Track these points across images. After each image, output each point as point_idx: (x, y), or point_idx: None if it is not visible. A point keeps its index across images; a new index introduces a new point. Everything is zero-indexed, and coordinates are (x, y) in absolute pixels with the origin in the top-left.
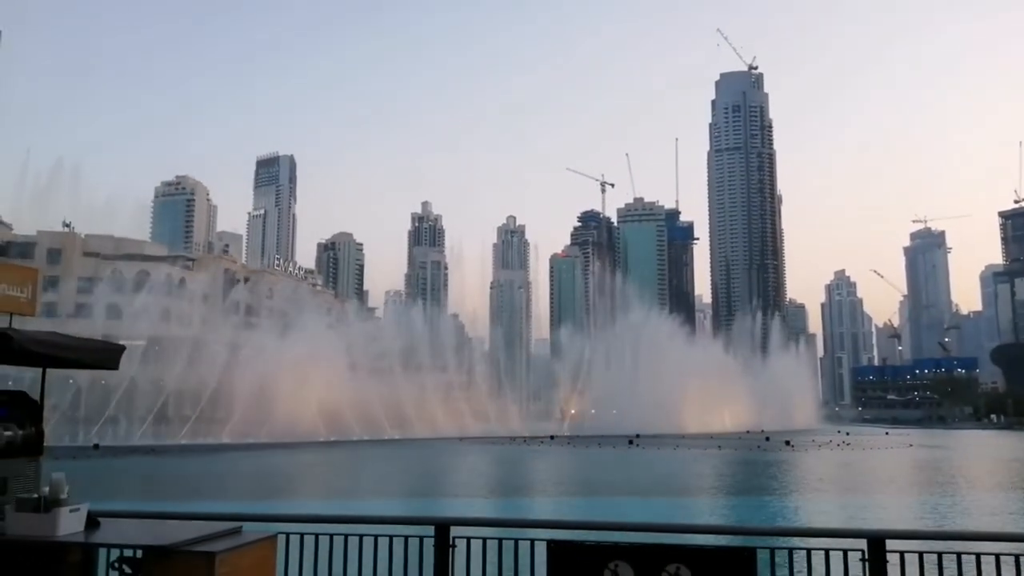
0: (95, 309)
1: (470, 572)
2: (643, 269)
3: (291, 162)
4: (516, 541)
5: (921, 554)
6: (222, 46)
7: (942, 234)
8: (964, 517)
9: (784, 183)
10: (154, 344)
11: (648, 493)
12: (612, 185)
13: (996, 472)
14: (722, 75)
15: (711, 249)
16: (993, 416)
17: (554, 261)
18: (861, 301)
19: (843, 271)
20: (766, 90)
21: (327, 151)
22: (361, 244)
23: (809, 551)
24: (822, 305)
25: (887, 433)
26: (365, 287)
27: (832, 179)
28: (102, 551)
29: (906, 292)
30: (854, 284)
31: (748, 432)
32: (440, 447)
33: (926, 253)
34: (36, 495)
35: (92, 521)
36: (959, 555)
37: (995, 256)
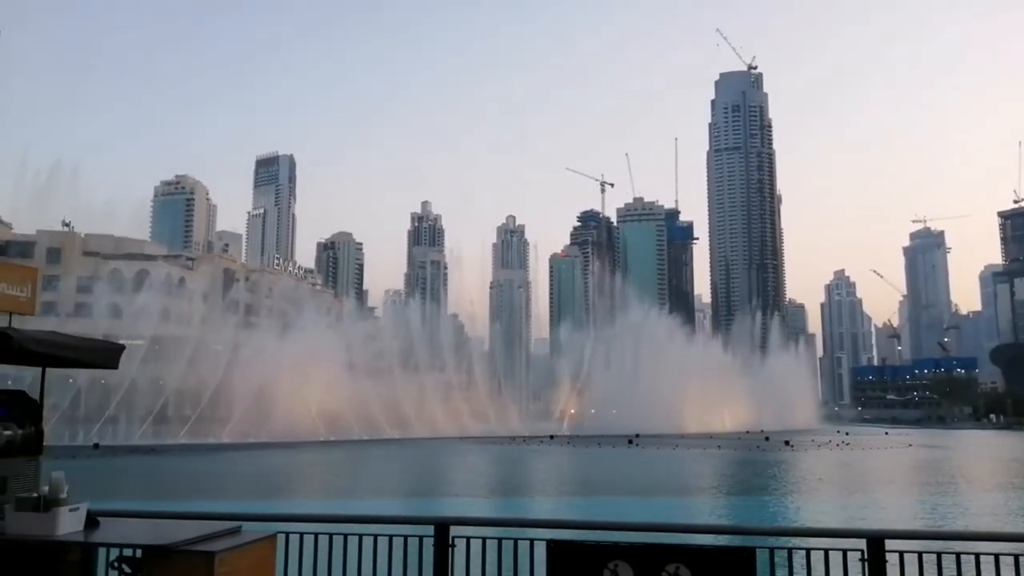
0: (95, 308)
1: (470, 572)
2: (643, 269)
3: (291, 162)
4: (516, 541)
5: (920, 554)
6: (222, 46)
7: (941, 234)
8: (963, 517)
9: (784, 183)
10: (154, 344)
11: (648, 493)
12: (612, 185)
13: (995, 472)
14: (722, 75)
15: (711, 249)
16: (992, 416)
17: (554, 261)
18: (861, 301)
19: (843, 271)
20: (766, 90)
21: (327, 151)
22: (361, 244)
23: (808, 551)
24: (822, 305)
25: (886, 433)
26: (365, 287)
27: (832, 179)
28: (101, 550)
29: (905, 292)
30: (854, 284)
31: (748, 432)
32: (440, 447)
33: (926, 253)
34: (36, 494)
35: (91, 520)
36: (958, 555)
37: (994, 256)
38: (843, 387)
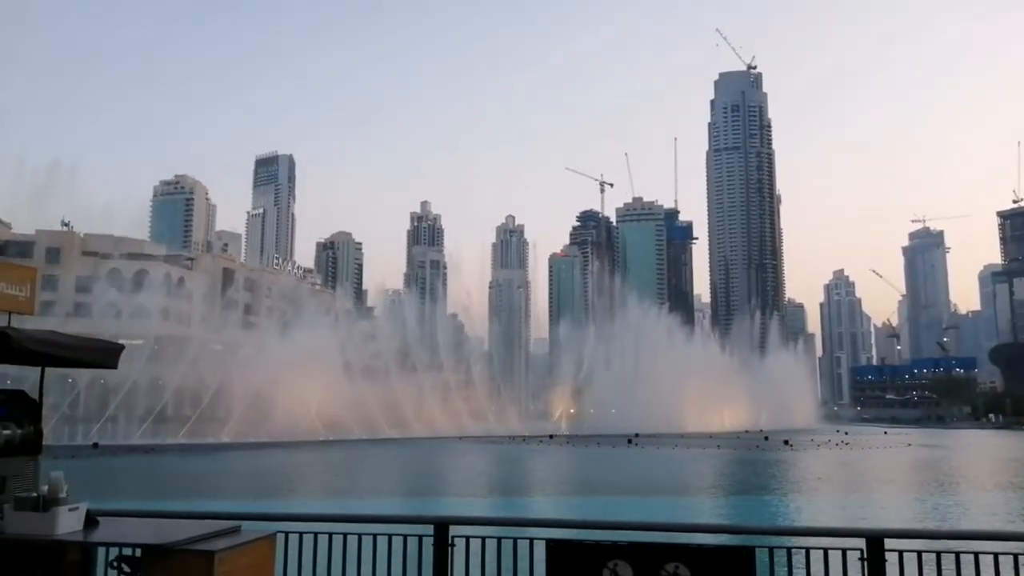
0: (94, 308)
1: (469, 571)
2: (642, 269)
3: (290, 161)
4: (515, 540)
5: (920, 553)
6: (221, 45)
7: (941, 234)
8: (963, 516)
9: (783, 183)
10: (153, 343)
11: (647, 492)
12: (611, 185)
13: (994, 472)
14: (721, 75)
15: (710, 249)
16: (991, 416)
17: (553, 261)
18: (860, 301)
19: (842, 271)
20: (765, 90)
21: (326, 150)
22: (360, 243)
23: (808, 550)
24: (821, 305)
25: (886, 432)
26: (364, 286)
27: (831, 179)
28: (101, 550)
29: (905, 292)
30: (853, 284)
31: (747, 431)
32: (439, 446)
33: (925, 253)
34: (35, 494)
35: (91, 520)
36: (957, 554)
37: (994, 256)
38: (842, 387)
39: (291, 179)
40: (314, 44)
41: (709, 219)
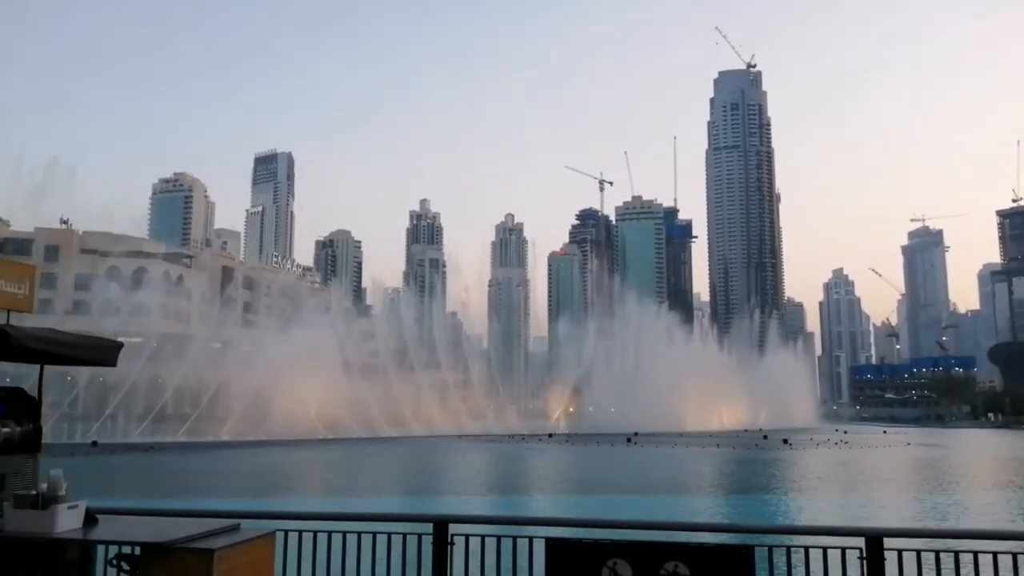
0: (93, 306)
1: (469, 569)
2: (641, 267)
3: (289, 159)
4: (515, 538)
5: (919, 552)
6: (221, 44)
7: (940, 233)
8: (962, 516)
9: (782, 182)
10: (152, 341)
11: (646, 491)
12: (610, 183)
13: (994, 471)
14: (721, 73)
15: (709, 247)
16: (991, 415)
17: (552, 259)
18: (859, 300)
19: (841, 270)
20: (764, 88)
21: (325, 149)
22: (359, 242)
23: (807, 549)
24: (820, 304)
25: (885, 432)
26: (363, 285)
27: (831, 178)
28: (100, 548)
29: (904, 291)
30: (852, 283)
31: (746, 430)
32: (438, 445)
33: (924, 252)
34: (34, 492)
35: (90, 518)
36: (956, 553)
37: (993, 255)
38: (842, 386)
39: (290, 177)
40: (314, 43)
41: (708, 218)
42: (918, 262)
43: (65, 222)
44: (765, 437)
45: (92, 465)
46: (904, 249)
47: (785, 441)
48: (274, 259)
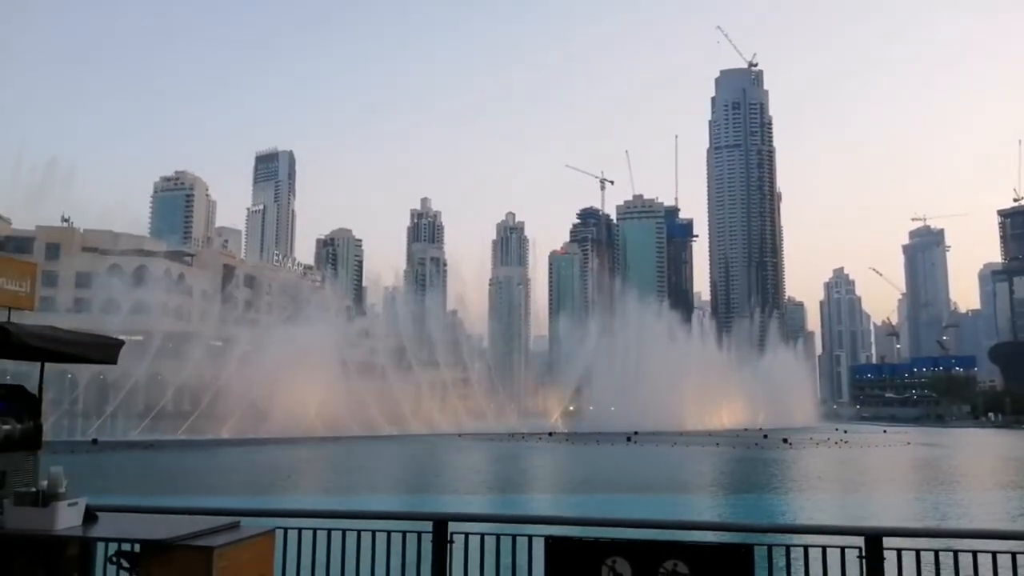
0: (94, 304)
1: (468, 568)
2: (642, 266)
3: (290, 158)
4: (514, 537)
5: (918, 552)
6: (222, 42)
7: (941, 232)
8: (961, 515)
9: (783, 181)
10: (153, 339)
11: (646, 490)
12: (611, 182)
13: (994, 470)
14: (722, 72)
15: (710, 246)
16: (991, 414)
17: (553, 258)
18: (860, 299)
19: (842, 269)
20: (766, 87)
21: (326, 147)
22: (360, 240)
23: (806, 548)
24: (821, 303)
25: (885, 431)
26: (364, 283)
27: (831, 177)
28: (100, 545)
29: (905, 290)
30: (853, 282)
31: (746, 430)
32: (438, 443)
33: (925, 251)
34: (34, 489)
35: (90, 515)
36: (956, 553)
37: (994, 254)
38: (842, 385)
39: (291, 175)
40: (315, 41)
41: (709, 217)
42: (919, 261)
43: (66, 220)
44: (765, 436)
45: (92, 463)
46: (905, 248)
47: (785, 440)
48: (275, 257)
